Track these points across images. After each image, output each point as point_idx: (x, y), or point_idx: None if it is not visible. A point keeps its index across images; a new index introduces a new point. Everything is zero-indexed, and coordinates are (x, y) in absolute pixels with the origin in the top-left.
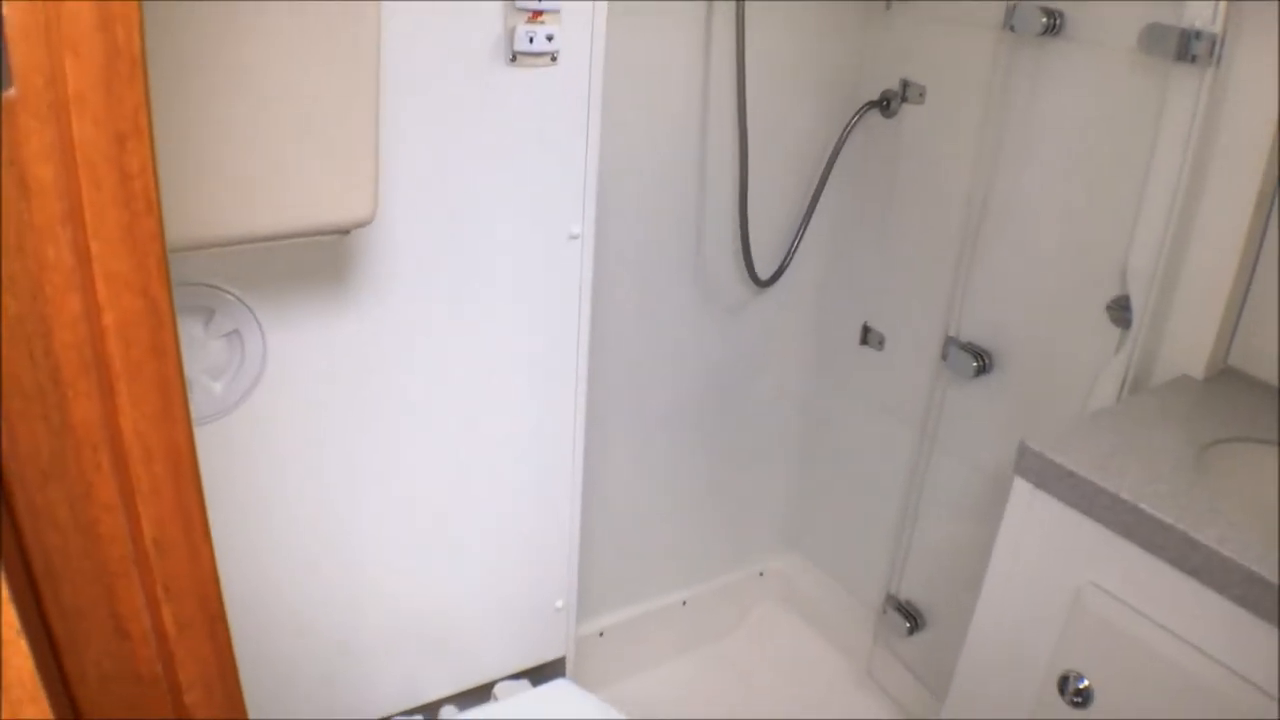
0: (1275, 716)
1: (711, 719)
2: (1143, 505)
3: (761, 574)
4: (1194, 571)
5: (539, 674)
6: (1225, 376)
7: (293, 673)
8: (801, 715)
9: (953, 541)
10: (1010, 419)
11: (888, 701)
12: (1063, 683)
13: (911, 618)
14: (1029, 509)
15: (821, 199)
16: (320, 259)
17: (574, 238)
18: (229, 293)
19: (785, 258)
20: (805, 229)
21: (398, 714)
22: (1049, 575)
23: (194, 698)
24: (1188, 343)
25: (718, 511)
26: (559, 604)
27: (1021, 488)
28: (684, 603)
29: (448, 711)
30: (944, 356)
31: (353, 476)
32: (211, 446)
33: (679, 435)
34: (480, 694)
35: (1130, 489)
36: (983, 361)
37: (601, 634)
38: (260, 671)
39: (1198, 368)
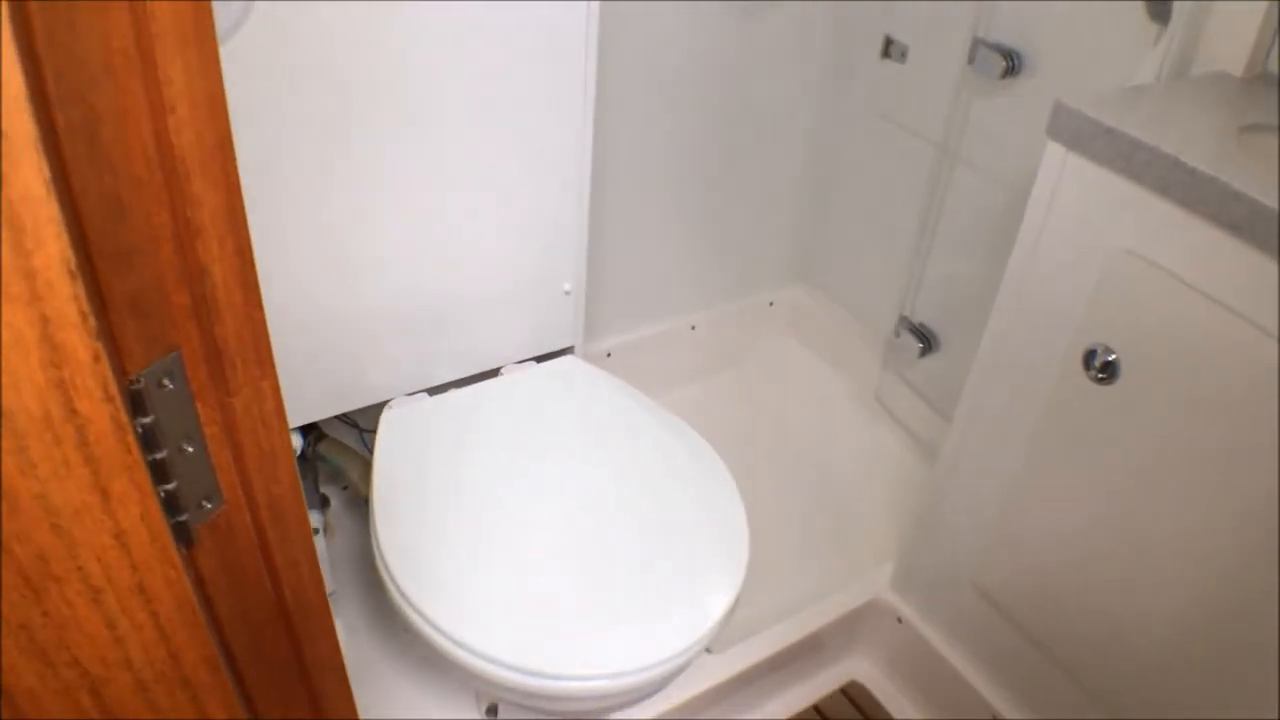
0: None
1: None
2: (1183, 157)
3: (771, 304)
4: (1235, 227)
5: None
6: (1264, 80)
7: (298, 351)
8: (809, 441)
9: (971, 261)
10: (1037, 125)
11: (896, 426)
12: (1089, 356)
13: (925, 339)
14: (1061, 173)
15: None
16: None
17: None
18: None
19: None
20: None
21: (403, 395)
22: (1080, 243)
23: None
24: (1227, 41)
25: (728, 238)
26: (566, 287)
27: (1054, 152)
28: (693, 327)
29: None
30: (970, 60)
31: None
32: None
33: (688, 155)
34: (488, 379)
35: (1170, 144)
36: (1012, 62)
37: (609, 354)
38: (280, 360)
39: (1237, 67)
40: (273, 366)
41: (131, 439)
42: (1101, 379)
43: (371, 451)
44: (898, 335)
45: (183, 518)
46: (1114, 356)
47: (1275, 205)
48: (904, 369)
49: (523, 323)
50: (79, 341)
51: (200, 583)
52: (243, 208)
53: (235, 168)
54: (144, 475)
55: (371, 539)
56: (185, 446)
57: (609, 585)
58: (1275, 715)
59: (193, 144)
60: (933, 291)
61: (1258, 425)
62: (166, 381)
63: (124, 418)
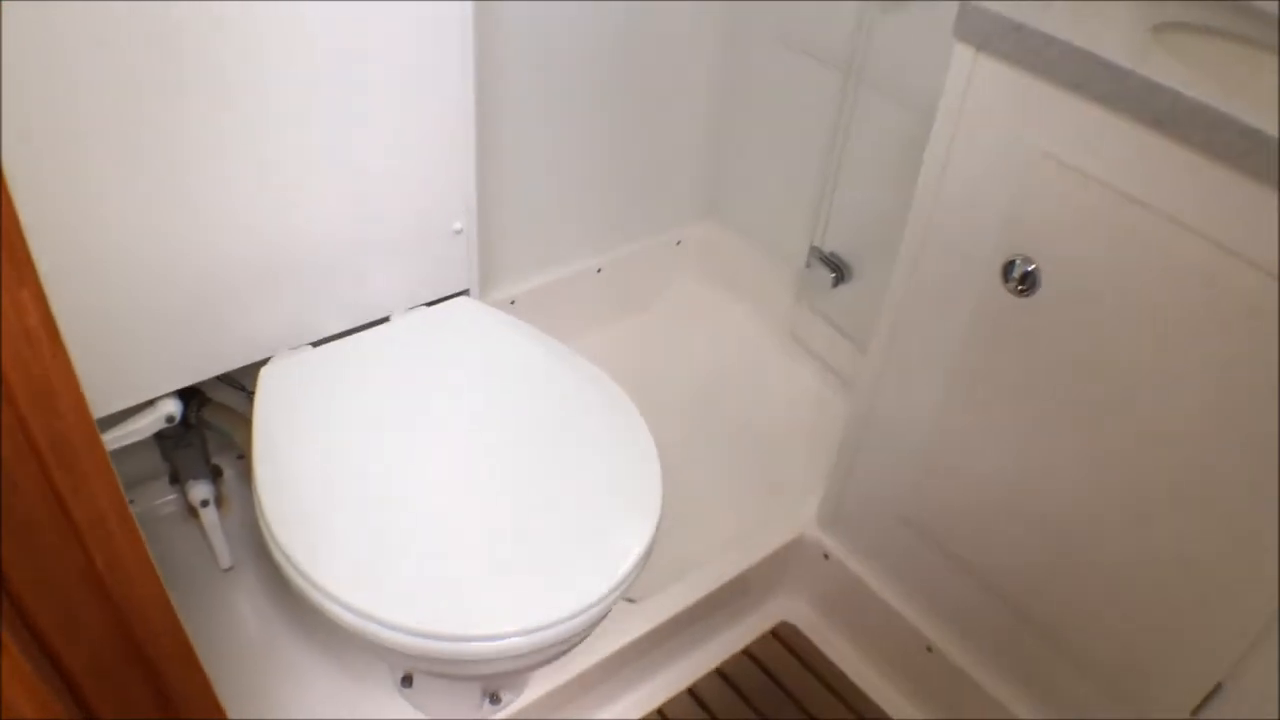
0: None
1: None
2: (1098, 51)
3: (679, 242)
4: (1157, 122)
5: None
6: None
7: (159, 309)
8: (725, 380)
9: (880, 187)
10: (942, 43)
11: (812, 360)
12: (1007, 269)
13: (837, 269)
14: (971, 77)
15: None
16: None
17: None
18: None
19: None
20: None
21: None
22: (994, 150)
23: None
24: None
25: (631, 175)
26: (456, 226)
27: (963, 54)
28: (599, 270)
29: None
30: None
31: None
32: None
33: (586, 92)
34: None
35: (1084, 39)
36: None
37: (513, 302)
38: (136, 319)
39: None
40: (34, 273)
41: None
42: (1022, 291)
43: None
44: (809, 266)
45: None
46: (1033, 267)
47: (1198, 97)
48: (817, 301)
49: (412, 266)
50: None
51: None
52: None
53: None
54: None
55: (255, 505)
56: None
57: (516, 537)
58: (1206, 624)
59: None
60: (842, 220)
61: (1184, 326)
62: None
63: None
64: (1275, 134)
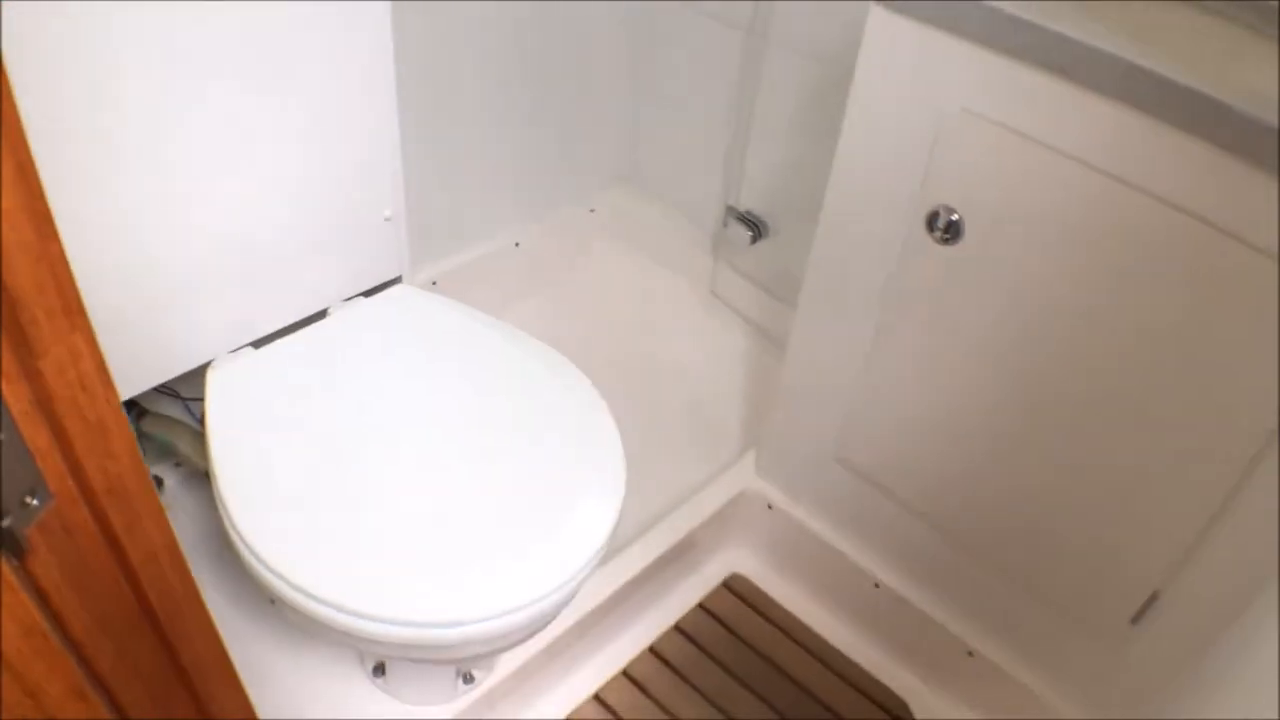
0: (1143, 213)
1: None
2: (1008, 9)
3: (593, 210)
4: (1067, 73)
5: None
6: None
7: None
8: (651, 344)
9: (792, 143)
10: (853, 5)
11: (735, 317)
12: (931, 219)
13: (754, 227)
14: (886, 37)
15: None
16: None
17: None
18: None
19: None
20: None
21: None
22: (912, 106)
23: None
24: None
25: (541, 146)
26: (386, 213)
27: (878, 14)
28: (517, 244)
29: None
30: None
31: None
32: None
33: (490, 64)
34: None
35: None
36: None
37: (435, 283)
38: None
39: None
40: (85, 316)
41: None
42: (946, 239)
43: (200, 421)
44: (726, 226)
45: (5, 522)
46: (956, 216)
47: (1102, 46)
48: (736, 259)
49: (344, 257)
50: None
51: (43, 597)
52: (15, 109)
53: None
54: None
55: (220, 511)
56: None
57: (484, 519)
58: (1138, 537)
59: None
60: (756, 178)
61: (1098, 259)
62: None
63: None
64: (1178, 78)
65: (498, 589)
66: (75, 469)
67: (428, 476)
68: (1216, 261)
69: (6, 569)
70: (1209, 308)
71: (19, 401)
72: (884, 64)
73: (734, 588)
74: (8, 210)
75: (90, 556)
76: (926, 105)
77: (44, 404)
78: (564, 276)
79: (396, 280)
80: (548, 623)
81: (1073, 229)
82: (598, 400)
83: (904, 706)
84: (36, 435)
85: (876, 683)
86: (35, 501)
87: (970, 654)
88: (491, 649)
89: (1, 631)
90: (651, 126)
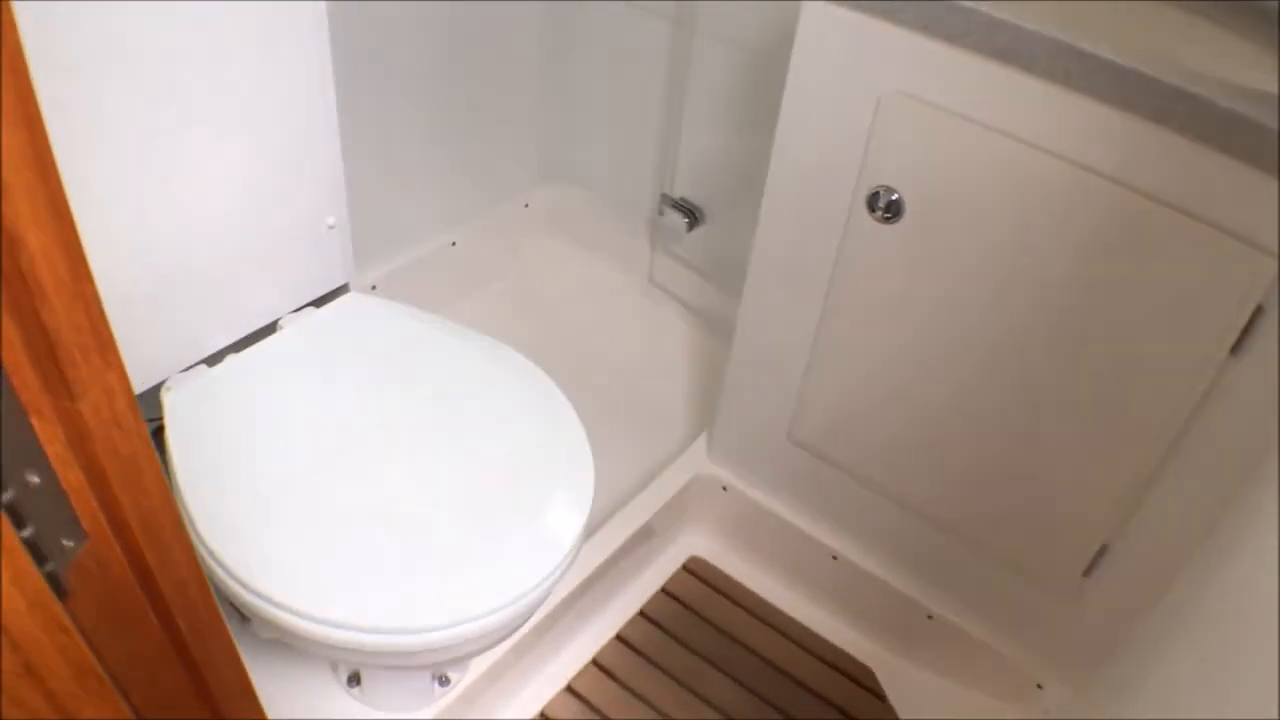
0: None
1: None
2: None
3: (527, 205)
4: (1000, 55)
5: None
6: None
7: None
8: (593, 336)
9: (724, 128)
10: None
11: (675, 303)
12: (872, 199)
13: (689, 213)
14: (822, 26)
15: None
16: None
17: None
18: None
19: None
20: None
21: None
22: (849, 91)
23: None
24: None
25: (472, 144)
26: (330, 221)
27: (812, 6)
28: (453, 244)
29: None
30: None
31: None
32: None
33: (416, 66)
34: (268, 335)
35: None
36: None
37: (374, 287)
38: None
39: None
40: (117, 354)
41: None
42: (888, 219)
43: (158, 444)
44: (661, 214)
45: (50, 567)
46: (896, 196)
47: (1037, 29)
48: (673, 246)
49: (289, 268)
50: None
51: (85, 637)
52: (49, 147)
53: (33, 92)
54: (7, 528)
55: (188, 530)
56: (30, 478)
57: (455, 525)
58: (1084, 494)
59: None
60: (690, 165)
61: (1037, 240)
62: None
63: None
64: (1108, 56)
65: (474, 593)
66: (108, 506)
67: (395, 484)
68: (1145, 224)
69: (65, 617)
70: (1140, 268)
71: (53, 443)
72: (819, 51)
73: (694, 570)
74: (45, 248)
75: (123, 592)
76: (863, 89)
77: (80, 444)
78: (502, 274)
79: (343, 288)
80: (524, 623)
81: (1010, 203)
82: (562, 400)
83: (869, 673)
84: (70, 476)
85: (840, 652)
86: (71, 544)
87: (930, 617)
88: (469, 652)
89: (56, 676)
90: (581, 119)
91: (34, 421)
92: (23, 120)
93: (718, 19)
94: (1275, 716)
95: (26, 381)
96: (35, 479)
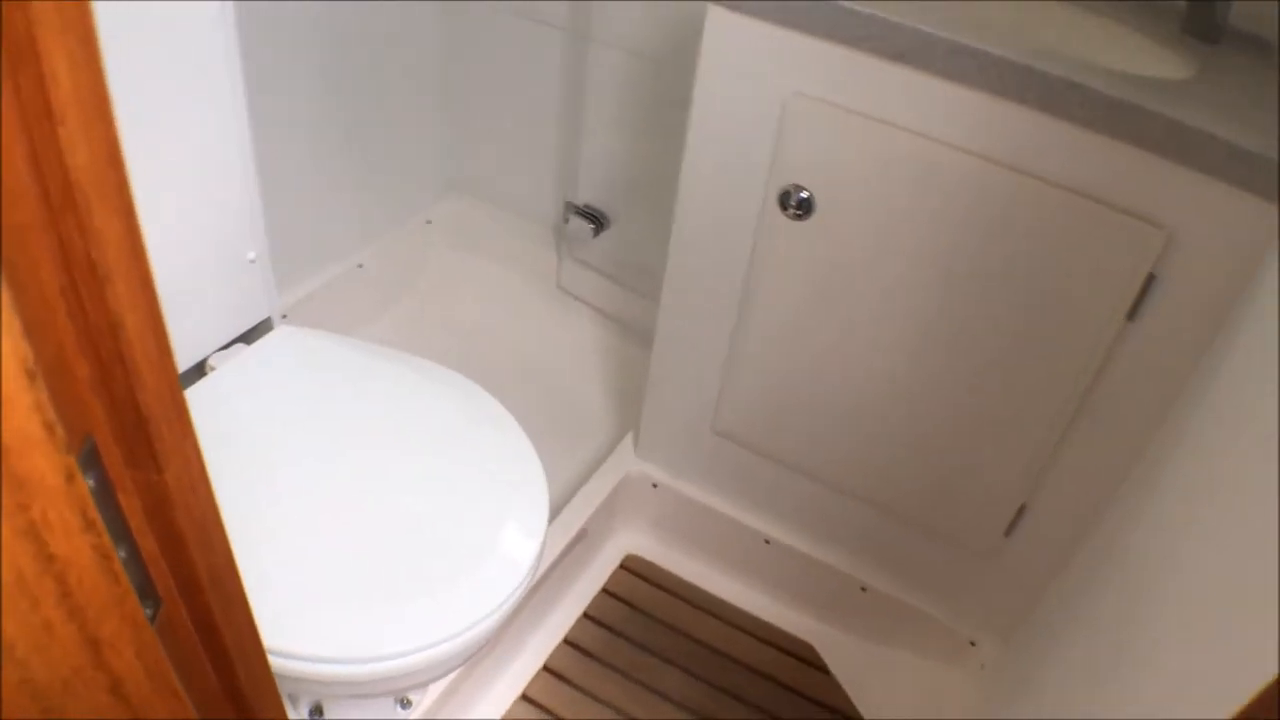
0: (978, 174)
1: None
2: (841, 1)
3: (430, 222)
4: (899, 56)
5: (249, 342)
6: None
7: None
8: (506, 348)
9: (624, 133)
10: None
11: (585, 308)
12: (784, 198)
13: (595, 219)
14: (726, 34)
15: None
16: None
17: None
18: None
19: None
20: None
21: None
22: (756, 95)
23: None
24: None
25: (371, 164)
26: (251, 255)
27: (716, 14)
28: (360, 266)
29: None
30: None
31: None
32: None
33: (311, 89)
34: (194, 377)
35: None
36: None
37: (285, 316)
38: None
39: None
40: (189, 418)
41: (118, 566)
42: (799, 216)
43: None
44: (567, 221)
45: None
46: (807, 194)
47: (932, 31)
48: (580, 252)
49: (212, 306)
50: (47, 465)
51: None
52: (139, 230)
53: (129, 182)
54: (135, 604)
55: None
56: (120, 553)
57: (411, 552)
58: (999, 458)
59: (87, 163)
60: (592, 171)
61: (943, 227)
62: (89, 479)
63: (108, 543)
64: (1001, 53)
65: (436, 618)
66: (180, 569)
67: (348, 515)
68: (1043, 207)
69: (178, 685)
70: (1041, 247)
71: (134, 515)
72: (725, 57)
73: (632, 568)
74: (139, 329)
75: (188, 650)
76: (769, 92)
77: (158, 512)
78: (411, 292)
79: (266, 321)
80: (484, 645)
81: (915, 195)
82: (510, 420)
83: (810, 649)
84: (148, 544)
85: (781, 632)
86: (149, 611)
87: (864, 589)
88: (432, 676)
89: None
90: (478, 130)
91: (120, 498)
92: (121, 208)
93: (611, 26)
94: (1072, 523)
95: (113, 459)
96: (123, 553)
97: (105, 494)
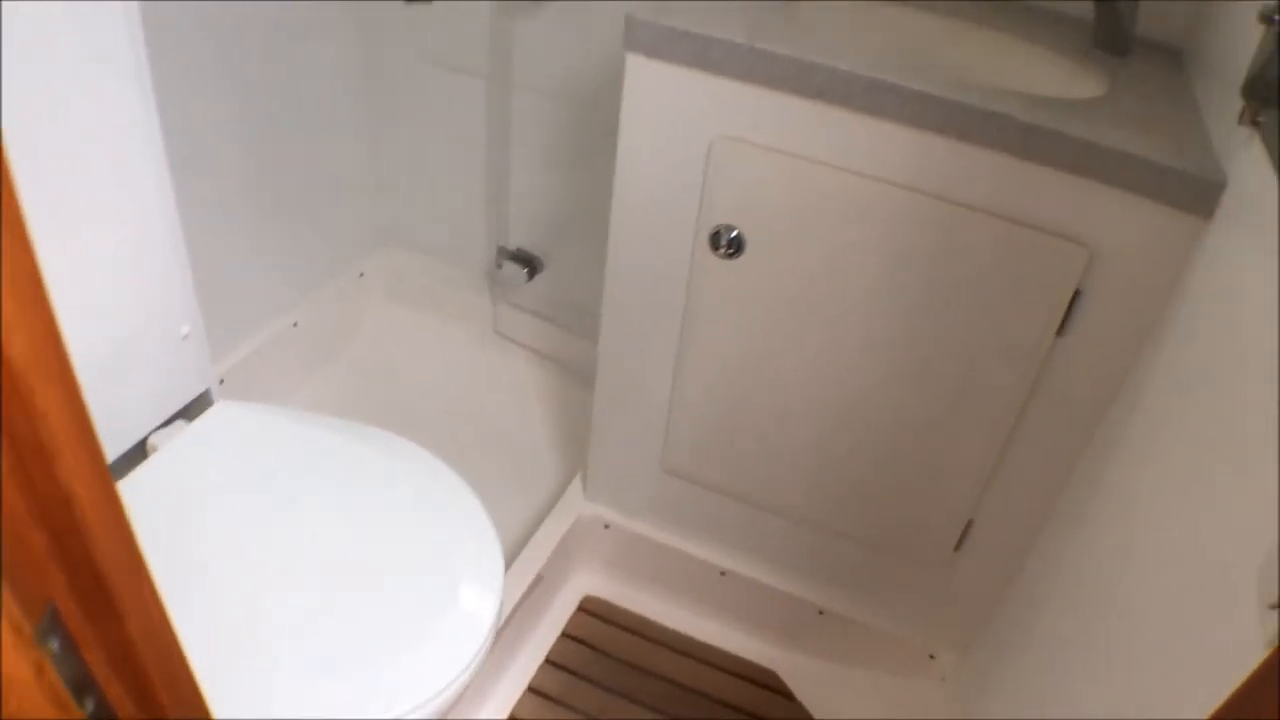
0: (904, 205)
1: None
2: (758, 44)
3: (362, 275)
4: (819, 95)
5: (189, 416)
6: None
7: None
8: (446, 397)
9: (553, 177)
10: (586, 40)
11: (523, 351)
12: (714, 238)
13: (528, 263)
14: (646, 80)
15: None
16: None
17: None
18: None
19: None
20: None
21: None
22: (680, 139)
23: None
24: None
25: (298, 221)
26: (184, 330)
27: (635, 62)
28: (295, 324)
29: None
30: None
31: None
32: None
33: (235, 148)
34: (136, 457)
35: (743, 34)
36: None
37: (222, 381)
38: None
39: None
40: (147, 567)
41: None
42: (731, 254)
43: None
44: (499, 267)
45: None
46: (736, 233)
47: (851, 69)
48: (514, 297)
49: (148, 384)
50: (18, 658)
51: None
52: (81, 398)
53: (67, 354)
54: None
55: None
56: (89, 707)
57: (375, 623)
58: (945, 477)
59: (26, 350)
60: (522, 216)
61: (872, 260)
62: (53, 644)
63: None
64: (917, 87)
65: (402, 688)
66: (148, 708)
67: (300, 595)
68: (970, 232)
69: None
70: (971, 271)
71: (100, 667)
72: (646, 103)
73: (591, 610)
74: (93, 499)
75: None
76: (693, 135)
77: (123, 659)
78: (348, 346)
79: (205, 394)
80: (454, 702)
81: (843, 229)
82: (457, 480)
83: (773, 676)
84: (113, 691)
85: (744, 661)
86: None
87: (821, 612)
88: None
89: None
90: (408, 182)
91: (84, 654)
92: (62, 383)
93: (532, 72)
94: (1020, 536)
95: (74, 618)
96: (91, 705)
97: (69, 653)
